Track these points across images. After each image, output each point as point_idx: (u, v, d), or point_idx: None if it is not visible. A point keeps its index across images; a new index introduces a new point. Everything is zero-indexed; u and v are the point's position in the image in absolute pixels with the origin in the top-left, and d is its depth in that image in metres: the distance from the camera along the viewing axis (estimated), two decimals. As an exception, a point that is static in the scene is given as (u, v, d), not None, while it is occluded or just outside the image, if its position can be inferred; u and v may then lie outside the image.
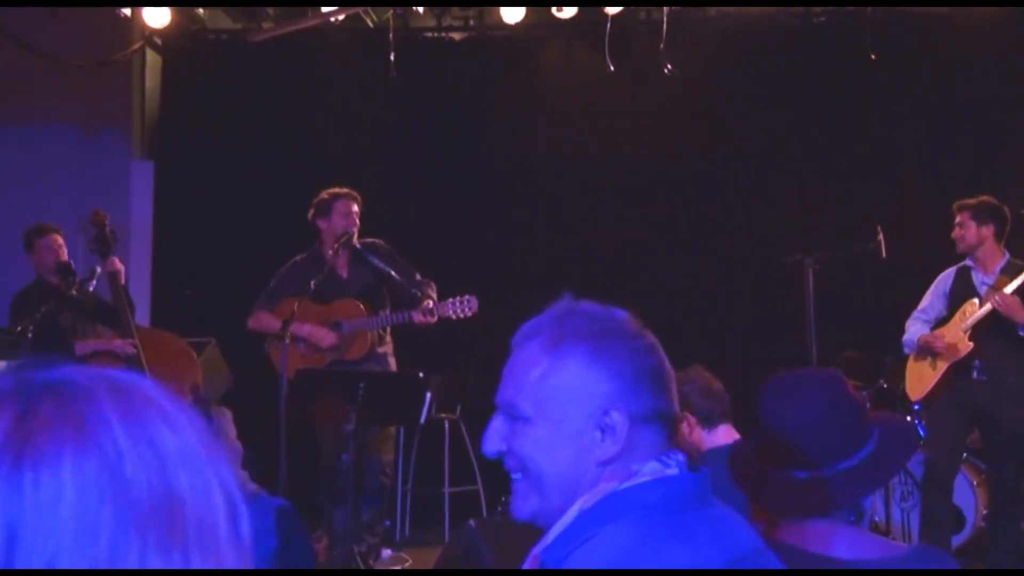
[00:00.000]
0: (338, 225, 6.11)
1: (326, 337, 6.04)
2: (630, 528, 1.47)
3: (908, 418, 6.38)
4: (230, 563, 0.84)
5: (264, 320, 6.16)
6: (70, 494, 0.78)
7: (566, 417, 1.55)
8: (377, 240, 6.31)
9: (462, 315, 5.87)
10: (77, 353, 5.89)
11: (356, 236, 6.20)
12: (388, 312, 6.10)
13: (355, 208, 6.16)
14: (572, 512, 1.52)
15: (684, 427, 3.60)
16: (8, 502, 0.78)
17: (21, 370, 0.85)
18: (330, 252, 6.03)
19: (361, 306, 6.07)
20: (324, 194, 6.24)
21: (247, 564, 0.86)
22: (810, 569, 1.54)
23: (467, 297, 5.89)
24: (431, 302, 5.93)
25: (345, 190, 6.23)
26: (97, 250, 6.04)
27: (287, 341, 5.59)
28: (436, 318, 5.89)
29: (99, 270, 6.13)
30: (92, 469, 0.80)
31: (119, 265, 6.06)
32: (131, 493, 0.80)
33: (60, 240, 6.12)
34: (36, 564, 0.77)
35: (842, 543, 1.97)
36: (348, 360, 6.03)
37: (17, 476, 0.78)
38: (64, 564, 0.77)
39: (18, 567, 0.76)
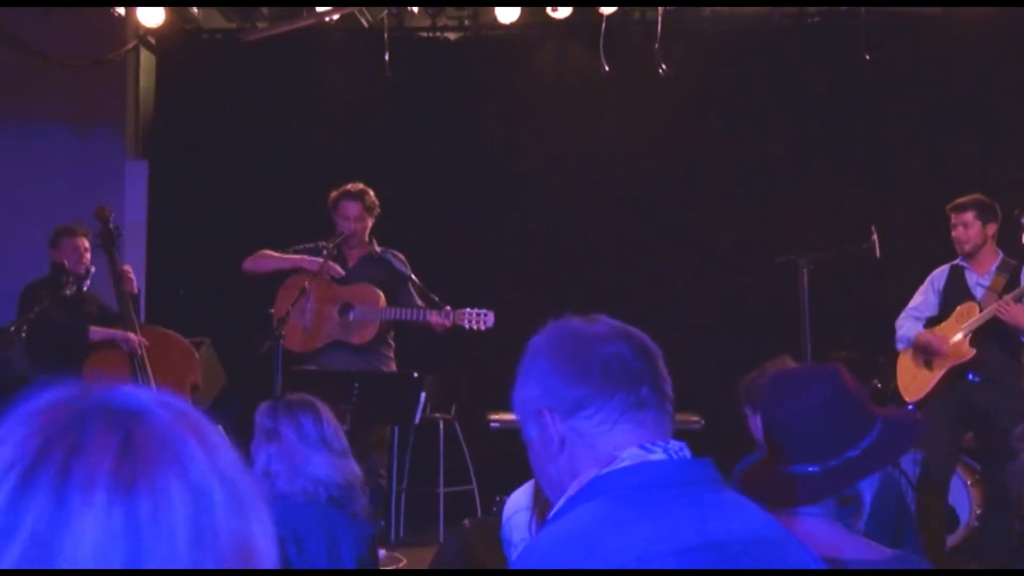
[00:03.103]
0: (340, 225, 6.11)
1: (336, 270, 6.01)
2: (603, 505, 1.52)
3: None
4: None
5: (264, 257, 6.12)
6: (170, 520, 0.81)
7: (524, 425, 1.69)
8: (398, 252, 6.29)
9: (477, 327, 5.86)
10: (91, 339, 5.89)
11: (365, 237, 6.18)
12: (403, 308, 6.05)
13: (357, 209, 6.12)
14: (561, 501, 1.61)
15: (758, 419, 3.51)
16: (125, 527, 0.80)
17: (88, 394, 0.86)
18: (327, 249, 6.01)
19: (380, 294, 6.03)
20: (335, 191, 6.22)
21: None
22: (795, 570, 1.53)
23: (484, 311, 5.88)
24: (448, 308, 5.91)
25: (357, 188, 6.16)
26: (102, 246, 6.05)
27: (282, 339, 5.58)
28: (452, 324, 5.86)
29: (93, 270, 6.14)
30: (185, 509, 0.82)
31: (127, 269, 6.11)
32: (214, 535, 0.83)
33: (87, 243, 6.13)
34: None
35: (825, 541, 1.98)
36: (350, 344, 6.01)
37: (134, 507, 0.80)
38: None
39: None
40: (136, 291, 6.26)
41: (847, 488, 2.03)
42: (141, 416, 0.85)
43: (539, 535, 1.53)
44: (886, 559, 2.01)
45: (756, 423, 3.50)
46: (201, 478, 0.84)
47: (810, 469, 2.02)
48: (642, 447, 1.58)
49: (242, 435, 3.52)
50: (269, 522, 0.88)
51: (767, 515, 1.60)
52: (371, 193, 6.20)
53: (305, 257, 6.03)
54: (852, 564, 1.96)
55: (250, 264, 6.19)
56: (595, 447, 1.60)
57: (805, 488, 2.02)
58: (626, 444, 1.58)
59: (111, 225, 6.07)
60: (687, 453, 1.61)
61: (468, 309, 5.86)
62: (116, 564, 0.79)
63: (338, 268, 6.04)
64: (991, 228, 5.82)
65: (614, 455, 1.58)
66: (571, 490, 1.59)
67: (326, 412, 3.31)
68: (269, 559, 0.86)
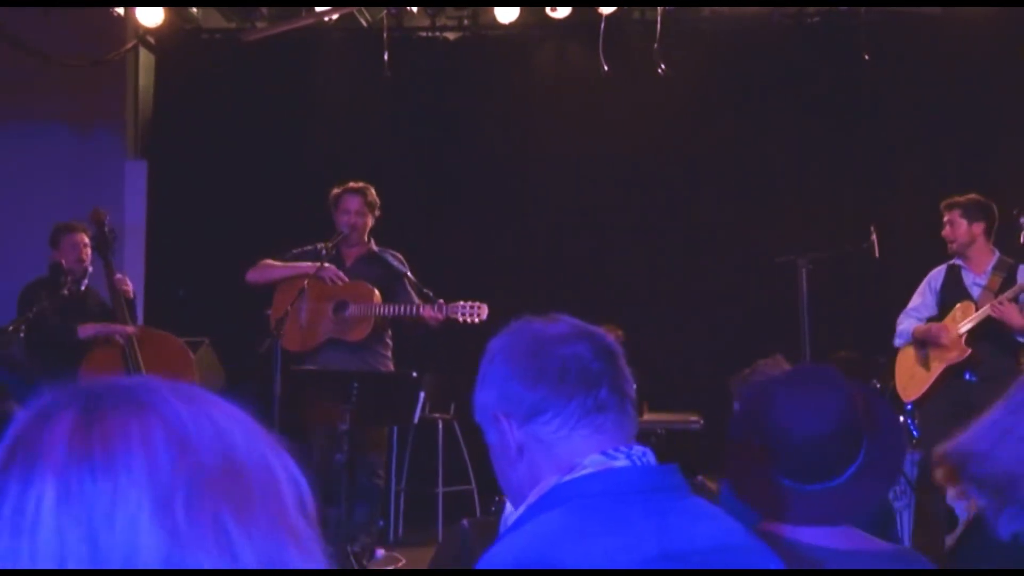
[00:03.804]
0: (340, 221, 6.11)
1: (335, 274, 6.00)
2: (564, 516, 1.47)
3: (900, 418, 6.41)
4: (301, 529, 0.88)
5: (271, 267, 6.13)
6: (140, 464, 0.83)
7: (484, 430, 1.66)
8: (396, 252, 6.28)
9: (470, 320, 5.83)
10: (80, 336, 5.91)
11: (365, 234, 6.18)
12: (397, 304, 6.04)
13: (358, 204, 6.12)
14: (521, 508, 1.57)
15: None
16: (83, 481, 0.82)
17: (76, 385, 0.90)
18: (325, 249, 6.01)
19: (375, 291, 6.03)
20: (337, 187, 6.21)
21: (316, 533, 0.90)
22: (753, 570, 1.51)
23: (477, 303, 5.86)
24: (441, 301, 5.90)
25: (358, 185, 6.15)
26: (96, 248, 6.06)
27: (280, 338, 5.58)
28: (445, 317, 5.85)
29: (90, 270, 6.15)
30: (159, 439, 0.84)
31: (120, 279, 6.12)
32: (199, 457, 0.85)
33: (86, 240, 6.13)
34: (120, 532, 0.81)
35: (829, 534, 1.98)
36: (346, 341, 6.01)
37: (89, 457, 0.83)
38: (145, 528, 0.81)
39: (101, 540, 0.80)
40: (132, 296, 6.27)
41: (850, 514, 2.01)
42: (114, 384, 0.88)
43: (498, 545, 1.48)
44: (884, 551, 2.01)
45: None
46: (172, 416, 0.86)
47: (807, 488, 2.00)
48: (604, 453, 1.54)
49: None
50: (273, 452, 0.90)
51: (732, 522, 1.56)
52: (372, 190, 6.19)
53: (306, 265, 6.01)
54: (850, 554, 1.96)
55: (253, 275, 6.18)
56: (554, 453, 1.56)
57: (802, 505, 1.99)
58: (586, 450, 1.54)
59: (106, 228, 6.08)
60: (651, 459, 1.56)
61: (461, 302, 5.84)
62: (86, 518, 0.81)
63: (341, 274, 6.03)
64: (978, 227, 5.83)
65: (575, 462, 1.54)
66: (531, 498, 1.55)
67: None
68: (269, 478, 0.88)
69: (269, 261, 6.16)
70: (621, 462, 1.53)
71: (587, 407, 1.56)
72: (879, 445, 2.03)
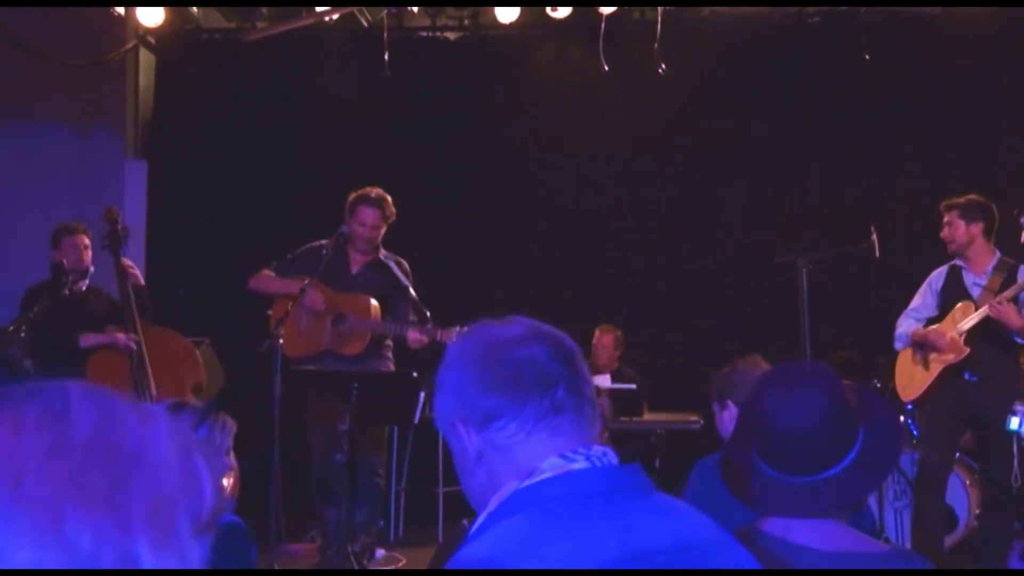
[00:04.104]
0: (353, 230, 6.08)
1: (317, 300, 5.99)
2: (524, 522, 1.45)
3: (900, 417, 6.41)
4: (182, 534, 0.88)
5: (267, 280, 6.13)
6: (7, 435, 0.85)
7: (446, 437, 1.65)
8: (401, 259, 6.27)
9: None
10: (82, 345, 5.89)
11: (377, 243, 6.17)
12: (390, 323, 6.04)
13: (375, 218, 6.09)
14: (481, 516, 1.54)
15: (727, 415, 3.48)
16: None
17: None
18: (325, 248, 5.99)
19: (373, 305, 6.02)
20: (354, 192, 6.18)
21: (205, 545, 0.90)
22: (687, 569, 1.50)
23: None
24: (431, 325, 5.87)
25: (376, 194, 6.11)
26: (109, 246, 6.05)
27: (281, 339, 5.58)
28: (430, 341, 5.83)
29: (92, 270, 6.15)
30: (31, 418, 0.86)
31: (129, 265, 6.11)
32: (63, 442, 0.86)
33: (87, 240, 6.13)
34: None
35: (824, 536, 1.99)
36: (343, 355, 6.01)
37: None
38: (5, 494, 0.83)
39: None
40: (143, 284, 6.26)
41: (840, 506, 2.02)
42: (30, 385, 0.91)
43: (459, 554, 1.45)
44: (884, 553, 2.02)
45: (724, 419, 3.49)
46: (55, 398, 0.89)
47: (794, 480, 2.02)
48: (563, 456, 1.51)
49: (241, 434, 3.52)
50: (178, 454, 0.91)
51: (701, 518, 1.54)
52: (390, 201, 6.14)
53: (293, 285, 5.94)
54: (853, 556, 1.96)
55: (254, 283, 6.20)
56: (512, 459, 1.54)
57: (790, 498, 2.01)
58: (544, 453, 1.52)
59: (119, 226, 6.08)
60: (612, 459, 1.54)
61: (457, 328, 5.78)
62: None
63: (320, 301, 5.99)
64: (976, 228, 5.83)
65: (533, 466, 1.51)
66: (491, 505, 1.53)
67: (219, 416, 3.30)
68: (160, 476, 0.89)
69: (267, 272, 6.16)
70: (580, 464, 1.51)
71: (543, 410, 1.54)
72: (874, 438, 2.04)
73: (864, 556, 1.98)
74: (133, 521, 0.85)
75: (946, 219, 5.91)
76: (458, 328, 5.78)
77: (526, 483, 1.50)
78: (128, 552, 0.84)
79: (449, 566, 1.46)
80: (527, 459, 1.52)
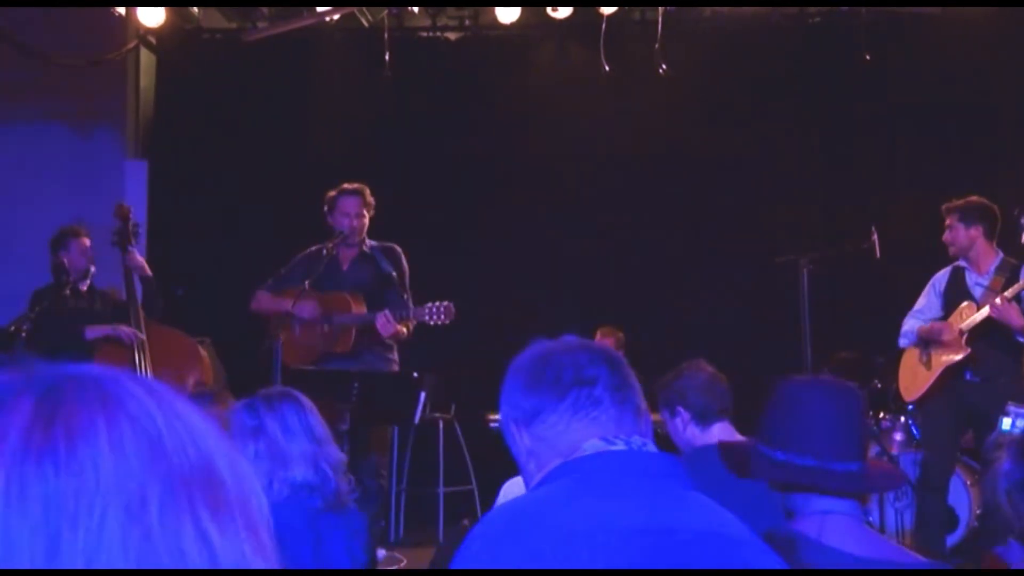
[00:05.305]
0: (340, 223, 6.10)
1: (307, 309, 6.00)
2: (558, 485, 1.57)
3: (902, 418, 6.41)
4: (266, 543, 0.84)
5: (264, 301, 6.14)
6: (109, 462, 0.78)
7: (508, 442, 1.79)
8: (395, 246, 6.27)
9: (438, 321, 5.80)
10: (87, 337, 5.91)
11: (362, 234, 6.18)
12: (374, 311, 6.03)
13: (357, 206, 6.12)
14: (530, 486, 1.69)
15: (678, 422, 3.51)
16: (44, 477, 0.76)
17: (28, 368, 0.84)
18: (326, 249, 6.01)
19: (349, 299, 6.03)
20: (332, 190, 6.21)
21: (273, 547, 0.85)
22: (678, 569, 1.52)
23: (445, 303, 5.82)
24: (389, 312, 5.84)
25: (354, 186, 6.16)
26: (119, 243, 6.07)
27: (280, 340, 5.58)
28: (395, 330, 5.82)
29: (92, 269, 6.15)
30: (128, 437, 0.79)
31: (139, 260, 6.13)
32: (171, 460, 0.80)
33: (89, 242, 6.15)
34: (83, 535, 0.75)
35: (857, 541, 2.00)
36: (339, 354, 6.01)
37: (51, 451, 0.77)
38: (115, 532, 0.76)
39: (64, 539, 0.75)
40: (150, 274, 6.26)
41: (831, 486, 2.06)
42: (73, 372, 0.83)
43: (495, 509, 1.61)
44: (919, 563, 2.03)
45: (676, 426, 3.52)
46: (142, 414, 0.81)
47: (805, 461, 2.05)
48: (604, 439, 1.63)
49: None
50: (239, 457, 0.85)
51: (729, 516, 1.58)
52: (368, 190, 6.20)
53: (284, 303, 5.95)
54: (874, 563, 1.97)
55: (254, 306, 6.23)
56: (555, 445, 1.66)
57: (777, 471, 2.07)
58: (585, 438, 1.64)
59: (131, 223, 6.11)
60: (651, 448, 1.64)
61: (428, 304, 5.79)
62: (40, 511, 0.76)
63: (308, 309, 5.99)
64: (976, 230, 5.83)
65: (575, 447, 1.63)
66: (535, 479, 1.67)
67: (305, 400, 3.29)
68: (241, 484, 0.83)
69: (261, 293, 6.16)
70: (619, 447, 1.62)
71: (581, 402, 1.66)
72: (878, 470, 2.17)
73: (890, 564, 1.98)
74: (243, 526, 0.82)
75: (947, 222, 5.91)
76: (430, 304, 5.76)
77: (568, 459, 1.63)
78: (244, 562, 0.81)
79: (485, 518, 1.59)
80: (568, 444, 1.65)
